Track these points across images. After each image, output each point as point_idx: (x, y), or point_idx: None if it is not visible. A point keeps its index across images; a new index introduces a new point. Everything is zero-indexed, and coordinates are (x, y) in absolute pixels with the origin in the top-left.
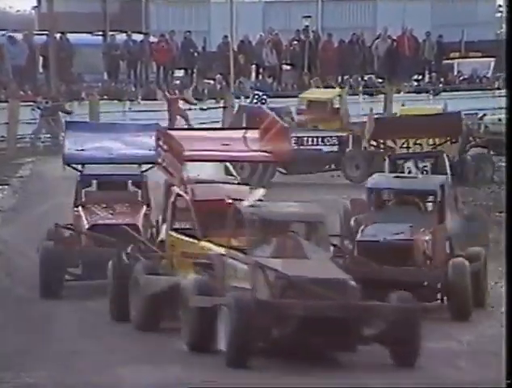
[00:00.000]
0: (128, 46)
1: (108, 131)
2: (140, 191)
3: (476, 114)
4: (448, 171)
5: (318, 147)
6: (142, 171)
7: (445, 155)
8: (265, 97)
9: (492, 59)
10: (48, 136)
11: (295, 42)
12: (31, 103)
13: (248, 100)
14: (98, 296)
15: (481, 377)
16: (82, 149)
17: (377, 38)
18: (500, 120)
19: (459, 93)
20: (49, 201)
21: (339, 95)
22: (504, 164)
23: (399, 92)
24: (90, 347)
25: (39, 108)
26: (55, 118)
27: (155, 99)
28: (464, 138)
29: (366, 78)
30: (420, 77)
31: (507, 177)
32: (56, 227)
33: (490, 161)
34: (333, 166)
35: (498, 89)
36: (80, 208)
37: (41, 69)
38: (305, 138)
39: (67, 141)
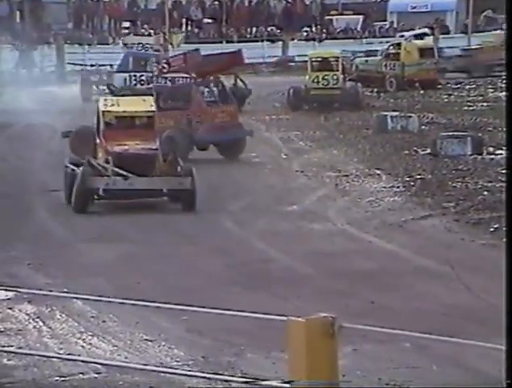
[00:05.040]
0: (87, 3)
1: None
2: None
3: (349, 57)
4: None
5: None
6: None
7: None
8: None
9: (360, 16)
10: (24, 70)
11: (216, 2)
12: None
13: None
14: None
15: None
16: None
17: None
18: (366, 61)
19: (337, 41)
20: None
21: None
22: (369, 94)
23: (293, 40)
24: None
25: (17, 49)
26: (30, 57)
27: (107, 44)
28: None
29: (268, 29)
30: (308, 29)
31: (507, 176)
32: None
33: (359, 91)
34: None
35: (366, 38)
36: None
37: (18, 20)
38: None
39: None
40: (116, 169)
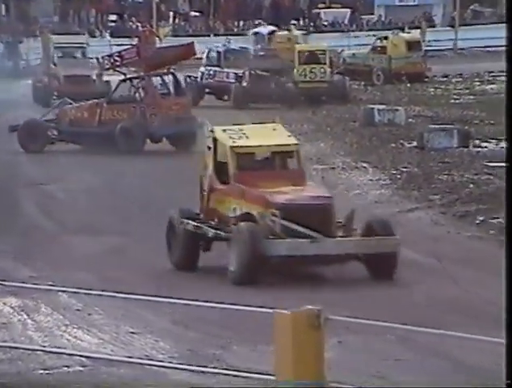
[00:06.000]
0: None
1: None
2: None
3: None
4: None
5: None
6: None
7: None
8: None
9: (348, 10)
10: (10, 62)
11: None
12: None
13: None
14: None
15: None
16: None
17: None
18: (354, 54)
19: (325, 34)
20: None
21: None
22: (356, 87)
23: None
24: None
25: (1, 42)
26: (16, 50)
27: (95, 36)
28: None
29: (256, 23)
30: (296, 22)
31: (507, 175)
32: None
33: (347, 84)
34: None
35: (353, 31)
36: None
37: (4, 13)
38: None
39: None
40: (300, 228)
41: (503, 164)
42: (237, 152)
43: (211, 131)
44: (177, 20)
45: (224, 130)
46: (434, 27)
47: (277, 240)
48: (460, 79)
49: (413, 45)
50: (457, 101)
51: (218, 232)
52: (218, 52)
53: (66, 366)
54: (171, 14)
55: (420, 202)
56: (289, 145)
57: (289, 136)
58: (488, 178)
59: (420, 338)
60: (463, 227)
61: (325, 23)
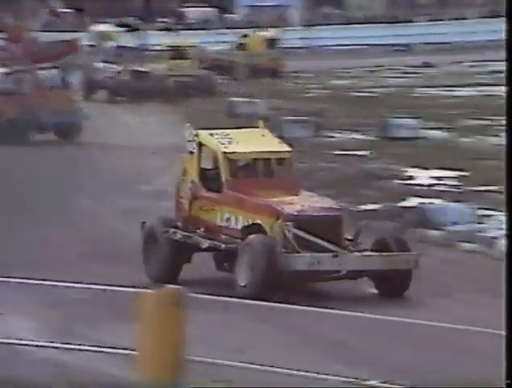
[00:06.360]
0: None
1: None
2: None
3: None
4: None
5: None
6: None
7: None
8: None
9: (216, 9)
10: None
11: None
12: None
13: None
14: None
15: None
16: None
17: None
18: (219, 50)
19: (192, 32)
20: None
21: None
22: (222, 81)
23: (148, 30)
24: None
25: None
26: None
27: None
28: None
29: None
30: (166, 19)
31: (507, 176)
32: None
33: (212, 78)
34: None
35: (220, 28)
36: None
37: None
38: None
39: None
40: (321, 241)
41: (350, 153)
42: (231, 158)
43: (196, 135)
44: (48, 16)
45: (211, 134)
46: (290, 26)
47: (296, 254)
48: (314, 75)
49: (271, 43)
50: (311, 95)
51: (215, 243)
52: (110, 49)
53: None
54: (43, 9)
55: None
56: (283, 151)
57: (280, 142)
58: (337, 165)
59: (280, 316)
60: None
61: (193, 21)
